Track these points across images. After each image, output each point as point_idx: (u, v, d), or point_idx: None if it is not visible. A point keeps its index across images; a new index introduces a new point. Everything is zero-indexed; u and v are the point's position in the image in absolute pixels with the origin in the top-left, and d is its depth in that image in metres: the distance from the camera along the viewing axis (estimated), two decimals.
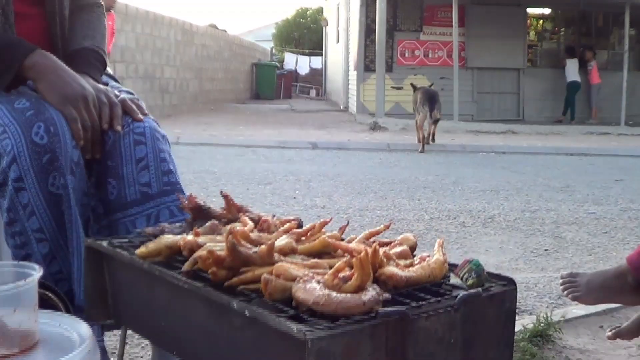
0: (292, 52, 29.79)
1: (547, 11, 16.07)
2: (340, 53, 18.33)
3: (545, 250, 3.77)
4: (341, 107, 17.86)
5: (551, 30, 16.34)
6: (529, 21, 15.62)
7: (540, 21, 16.30)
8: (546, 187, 6.00)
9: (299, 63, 27.51)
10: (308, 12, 35.84)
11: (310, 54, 28.97)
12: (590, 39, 15.61)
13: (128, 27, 12.20)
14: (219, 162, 7.20)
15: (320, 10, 31.14)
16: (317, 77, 26.45)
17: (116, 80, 1.98)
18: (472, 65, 14.45)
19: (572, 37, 15.87)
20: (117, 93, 1.73)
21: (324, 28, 24.87)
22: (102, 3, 1.99)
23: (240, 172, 6.35)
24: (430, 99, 9.14)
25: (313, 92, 25.95)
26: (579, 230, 4.29)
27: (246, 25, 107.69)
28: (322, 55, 26.17)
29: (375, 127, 11.57)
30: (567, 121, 14.28)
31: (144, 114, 1.70)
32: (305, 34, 34.42)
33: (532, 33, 15.94)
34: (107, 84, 1.85)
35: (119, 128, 1.62)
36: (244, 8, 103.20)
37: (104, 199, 1.65)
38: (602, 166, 7.95)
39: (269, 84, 23.14)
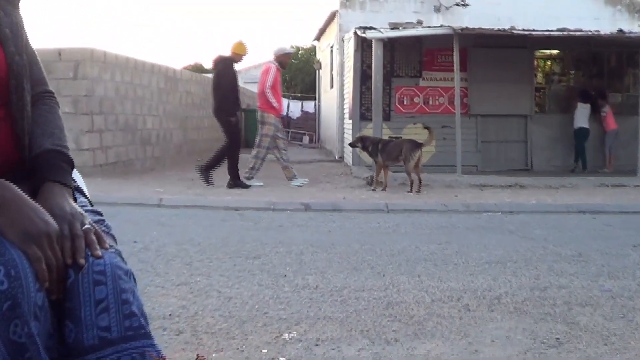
0: (283, 96, 30.00)
1: (555, 52, 16.28)
2: (334, 99, 18.52)
3: (557, 339, 3.74)
4: (336, 157, 17.96)
5: (560, 73, 16.53)
6: (535, 63, 15.83)
7: (549, 62, 16.51)
8: (557, 257, 5.99)
9: (291, 107, 27.76)
10: (300, 53, 36.27)
11: (302, 98, 29.28)
12: (602, 80, 15.81)
13: (107, 75, 12.32)
14: (204, 229, 7.18)
15: (313, 50, 31.52)
16: (310, 122, 26.68)
17: (82, 193, 1.97)
18: (476, 112, 14.60)
19: (583, 79, 16.06)
20: (83, 212, 1.72)
21: (317, 71, 25.17)
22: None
23: (227, 243, 6.33)
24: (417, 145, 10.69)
25: (306, 139, 26.16)
26: (594, 313, 4.26)
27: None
28: (315, 99, 26.39)
29: (372, 182, 11.59)
30: (578, 170, 14.36)
31: (105, 248, 1.67)
32: (297, 75, 34.76)
33: (539, 76, 16.16)
34: (76, 200, 1.84)
35: (82, 261, 1.60)
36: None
37: (60, 342, 1.62)
38: (618, 227, 7.95)
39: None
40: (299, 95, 30.66)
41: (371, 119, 13.29)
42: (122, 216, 7.76)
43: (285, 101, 28.00)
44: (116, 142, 12.64)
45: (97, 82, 11.95)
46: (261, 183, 11.59)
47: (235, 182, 11.24)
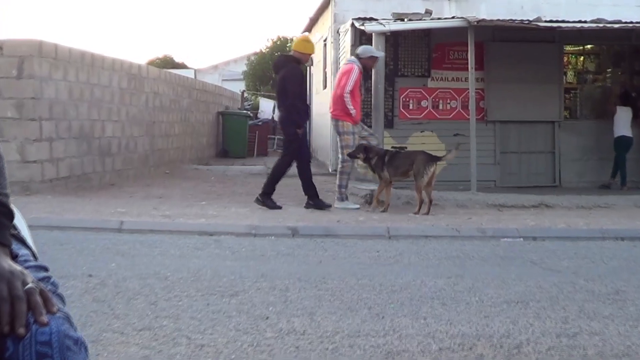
0: (269, 96, 30.09)
1: (589, 46, 16.35)
2: (327, 101, 18.50)
3: None
4: (329, 170, 17.98)
5: (595, 71, 16.60)
6: (565, 59, 15.91)
7: (581, 59, 16.58)
8: (589, 295, 6.03)
9: (277, 110, 27.82)
10: (289, 45, 36.30)
11: None
12: None
13: (58, 74, 12.35)
14: (173, 259, 7.20)
15: None
16: None
17: (25, 244, 1.98)
18: (494, 118, 14.65)
19: (622, 78, 16.15)
20: (24, 271, 1.73)
21: (308, 68, 25.22)
22: None
23: (199, 277, 6.36)
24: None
25: None
26: None
27: (210, 59, 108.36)
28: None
29: (371, 201, 11.62)
30: (616, 187, 14.42)
31: (52, 312, 1.66)
32: None
33: (570, 75, 16.23)
34: (17, 256, 1.86)
35: (22, 331, 1.60)
36: (206, 38, 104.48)
37: None
38: None
39: (239, 138, 23.38)
40: None
41: (371, 126, 13.29)
42: (74, 244, 7.77)
43: (270, 103, 28.15)
44: (69, 153, 12.65)
45: (46, 82, 11.97)
46: (357, 206, 11.69)
47: (315, 201, 11.46)
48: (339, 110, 11.59)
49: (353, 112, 11.48)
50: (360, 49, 11.92)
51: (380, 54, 12.25)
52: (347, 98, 11.41)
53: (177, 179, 15.72)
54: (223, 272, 6.59)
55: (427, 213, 10.89)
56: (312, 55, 23.88)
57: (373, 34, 12.90)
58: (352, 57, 11.94)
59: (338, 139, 11.92)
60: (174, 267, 6.73)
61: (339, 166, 11.82)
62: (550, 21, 13.83)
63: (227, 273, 6.53)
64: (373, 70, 12.51)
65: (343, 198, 11.75)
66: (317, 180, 16.18)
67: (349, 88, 11.41)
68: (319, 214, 10.96)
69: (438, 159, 11.21)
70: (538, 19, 13.71)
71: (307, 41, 11.90)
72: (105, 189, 13.14)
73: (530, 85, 14.70)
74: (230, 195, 13.04)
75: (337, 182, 11.82)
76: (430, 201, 11.05)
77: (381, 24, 12.98)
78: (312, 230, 9.26)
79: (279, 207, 11.23)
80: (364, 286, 6.17)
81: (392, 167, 11.16)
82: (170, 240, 8.37)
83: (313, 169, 19.43)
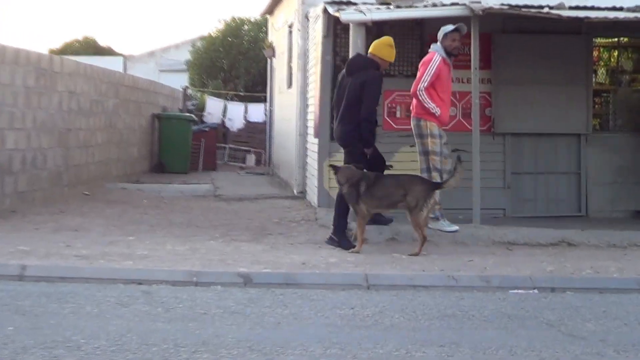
0: (219, 94, 30.06)
1: (625, 39, 16.35)
2: (293, 104, 18.61)
3: None
4: (294, 192, 18.03)
5: (632, 69, 16.63)
6: (596, 55, 15.99)
7: (615, 54, 16.60)
8: None
9: (230, 112, 27.87)
10: (245, 27, 36.29)
11: (246, 99, 29.33)
12: None
13: None
14: (90, 320, 7.16)
15: (263, 25, 31.53)
16: (257, 135, 26.76)
17: None
18: (504, 130, 14.71)
19: None
20: None
21: (268, 60, 25.27)
22: None
23: (122, 345, 6.33)
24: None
25: (251, 159, 26.28)
26: None
27: (145, 43, 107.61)
28: (265, 101, 26.49)
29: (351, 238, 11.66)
30: None
31: None
32: (240, 62, 34.76)
33: (601, 74, 16.31)
34: None
35: None
36: (141, 16, 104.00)
37: None
38: None
39: (179, 149, 23.38)
40: (242, 93, 30.64)
41: None
42: None
43: (219, 103, 28.15)
44: None
45: None
46: (456, 228, 12.11)
47: (340, 238, 11.55)
48: (420, 107, 12.13)
49: (436, 110, 11.94)
50: (439, 33, 12.39)
51: (451, 27, 12.43)
52: (423, 95, 11.98)
53: (99, 203, 15.66)
54: (153, 338, 6.57)
55: (418, 253, 10.92)
56: (275, 45, 24.14)
57: (351, 24, 12.92)
58: (436, 44, 12.42)
59: (418, 143, 12.33)
60: (89, 332, 6.69)
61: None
62: (577, 8, 13.90)
63: (159, 340, 6.51)
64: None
65: (437, 217, 12.14)
66: (277, 205, 16.34)
67: (423, 83, 11.99)
68: (279, 251, 10.98)
69: (439, 185, 11.28)
70: (561, 5, 13.77)
71: (390, 46, 12.08)
72: (4, 219, 13.06)
73: (550, 88, 14.79)
74: (166, 227, 13.03)
75: None
76: (424, 238, 11.08)
77: (361, 11, 12.98)
78: (270, 277, 9.27)
79: (353, 247, 11.34)
80: (334, 357, 6.18)
81: (373, 198, 11.20)
82: (87, 292, 8.33)
83: (273, 189, 19.66)
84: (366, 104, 11.71)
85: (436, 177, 11.96)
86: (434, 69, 12.01)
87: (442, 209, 12.37)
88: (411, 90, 12.27)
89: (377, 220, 11.89)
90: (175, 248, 10.97)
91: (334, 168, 11.58)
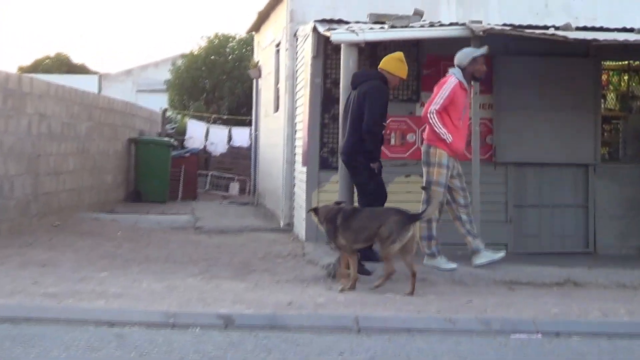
0: (200, 116, 30.06)
1: (635, 63, 16.38)
2: (280, 129, 18.60)
3: None
4: (281, 224, 18.01)
5: None
6: (604, 78, 15.99)
7: (626, 77, 16.60)
8: None
9: (212, 137, 27.84)
10: (230, 45, 36.27)
11: (230, 122, 29.31)
12: None
13: None
14: None
15: (249, 43, 31.51)
16: (241, 162, 26.74)
17: None
18: (506, 159, 14.68)
19: None
20: None
21: (254, 81, 25.26)
22: None
23: None
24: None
25: (235, 187, 26.25)
26: None
27: (123, 61, 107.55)
28: (250, 125, 26.49)
29: (337, 274, 11.61)
30: None
31: None
32: (223, 82, 34.76)
33: (610, 99, 16.30)
34: None
35: None
36: (118, 32, 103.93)
37: None
38: None
39: (158, 176, 23.36)
40: (225, 116, 30.62)
41: (337, 168, 13.30)
42: None
43: (202, 127, 28.10)
44: None
45: None
46: (454, 266, 12.11)
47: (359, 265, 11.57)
48: (431, 133, 12.15)
49: (447, 137, 11.96)
50: (458, 56, 12.40)
51: (483, 51, 12.54)
52: (433, 117, 12.00)
53: (70, 235, 15.60)
54: None
55: (412, 293, 10.88)
56: (261, 65, 24.15)
57: (342, 45, 12.91)
58: (454, 68, 12.43)
59: (424, 171, 12.33)
60: None
61: (422, 209, 11.99)
62: (584, 28, 13.95)
63: None
64: (342, 91, 12.65)
65: (434, 253, 12.17)
66: (262, 238, 16.30)
67: (435, 106, 12.01)
68: (263, 290, 10.94)
69: (416, 217, 11.26)
70: (567, 26, 13.82)
71: (400, 60, 12.25)
72: None
73: (555, 114, 14.78)
74: (142, 262, 12.98)
75: (419, 232, 11.93)
76: (414, 274, 11.03)
77: (353, 31, 12.97)
78: (253, 319, 9.19)
79: (369, 273, 11.56)
80: None
81: (350, 231, 11.17)
82: (55, 335, 8.24)
83: (258, 221, 19.60)
84: (368, 114, 11.85)
85: (434, 212, 11.91)
86: (447, 92, 12.03)
87: (439, 244, 12.36)
88: (422, 112, 12.31)
89: (370, 257, 11.87)
90: (152, 286, 10.90)
91: (314, 210, 11.63)
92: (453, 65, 12.58)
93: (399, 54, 12.20)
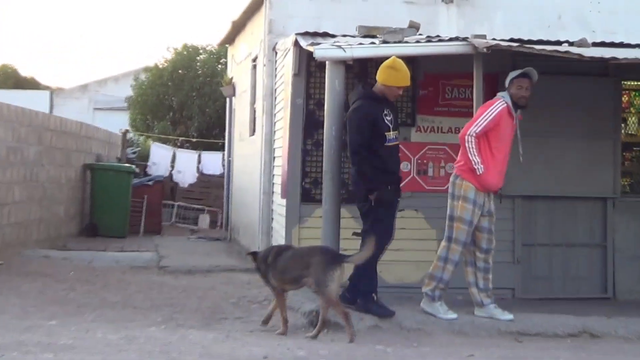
0: (166, 139, 30.03)
1: None
2: (257, 155, 18.57)
3: None
4: None
5: None
6: (625, 100, 15.97)
7: None
8: None
9: (179, 162, 27.85)
10: (200, 58, 36.27)
11: (200, 145, 29.26)
12: None
13: None
14: None
15: (223, 54, 31.51)
16: (213, 191, 26.72)
17: None
18: (513, 192, 14.59)
19: None
20: None
21: (228, 100, 25.26)
22: None
23: None
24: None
25: (205, 220, 26.25)
26: None
27: (78, 75, 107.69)
28: (223, 150, 26.49)
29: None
30: None
31: None
32: (193, 100, 34.81)
33: (631, 122, 16.29)
34: None
35: None
36: (72, 43, 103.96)
37: None
38: None
39: (117, 207, 23.37)
40: (194, 139, 30.54)
41: (320, 201, 13.22)
42: None
43: (167, 151, 28.07)
44: None
45: None
46: (454, 316, 12.07)
47: (366, 302, 11.81)
48: (463, 159, 12.07)
49: (478, 167, 11.88)
50: (507, 78, 12.36)
51: (518, 72, 12.46)
52: (471, 141, 11.91)
53: (14, 277, 15.51)
54: None
55: (315, 336, 11.02)
56: (235, 82, 24.13)
57: (327, 62, 12.82)
58: (504, 92, 12.41)
59: (449, 204, 12.23)
60: None
61: (442, 247, 12.16)
62: (602, 44, 13.91)
63: None
64: (327, 114, 12.57)
65: (435, 297, 12.10)
66: (238, 280, 16.23)
67: (476, 128, 11.95)
68: (235, 345, 10.81)
69: (343, 258, 11.26)
70: (583, 42, 13.79)
71: (392, 68, 12.07)
72: None
73: (570, 141, 14.80)
74: (97, 308, 12.89)
75: (431, 269, 12.10)
76: (323, 323, 11.19)
77: (340, 46, 12.87)
78: None
79: (392, 313, 11.70)
80: None
81: (276, 271, 11.40)
82: None
83: (231, 260, 19.54)
84: (348, 139, 11.95)
85: (456, 250, 11.97)
86: (494, 115, 11.96)
87: (445, 290, 12.28)
88: (460, 133, 12.18)
89: (370, 308, 11.82)
90: (107, 336, 10.77)
91: (254, 254, 12.04)
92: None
93: (391, 61, 11.99)
